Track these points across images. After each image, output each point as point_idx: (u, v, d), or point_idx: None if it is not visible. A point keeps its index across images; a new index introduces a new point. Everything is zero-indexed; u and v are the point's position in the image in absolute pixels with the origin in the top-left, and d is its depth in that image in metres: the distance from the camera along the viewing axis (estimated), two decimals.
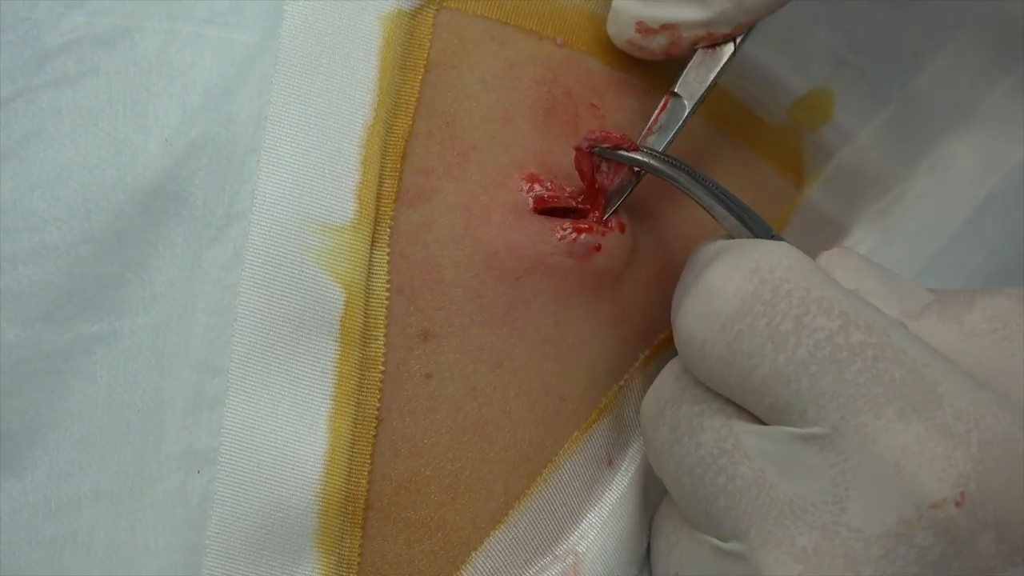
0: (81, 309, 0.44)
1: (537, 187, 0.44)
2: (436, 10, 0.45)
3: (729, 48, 0.46)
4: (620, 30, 0.47)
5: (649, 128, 0.46)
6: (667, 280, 0.48)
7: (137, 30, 0.44)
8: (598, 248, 0.44)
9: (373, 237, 0.42)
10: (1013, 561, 0.35)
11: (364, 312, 0.42)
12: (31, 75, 0.44)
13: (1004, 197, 0.57)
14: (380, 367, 0.42)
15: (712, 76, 0.46)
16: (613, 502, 0.45)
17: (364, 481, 0.41)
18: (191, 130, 0.43)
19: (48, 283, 0.43)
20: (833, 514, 0.36)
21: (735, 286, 0.39)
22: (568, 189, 0.45)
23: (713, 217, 0.43)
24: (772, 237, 0.43)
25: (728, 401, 0.40)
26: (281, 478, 0.40)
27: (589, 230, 0.44)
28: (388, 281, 0.42)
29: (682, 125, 0.46)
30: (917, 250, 0.56)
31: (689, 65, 0.46)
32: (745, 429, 0.39)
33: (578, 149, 0.44)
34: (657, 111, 0.46)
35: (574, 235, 0.44)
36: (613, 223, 0.45)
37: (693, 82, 0.46)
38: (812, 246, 0.43)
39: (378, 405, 0.42)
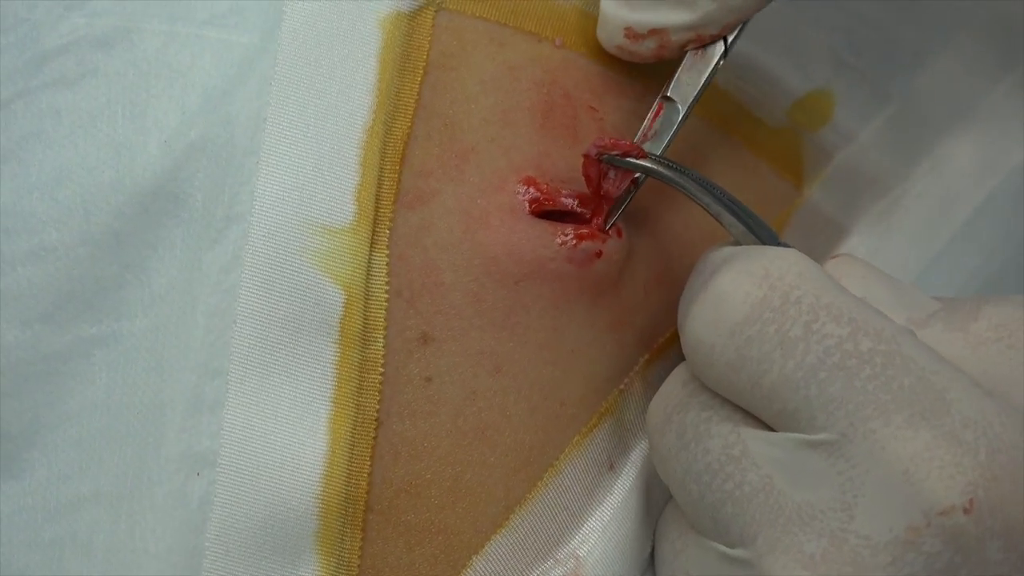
0: (80, 311, 0.44)
1: (533, 190, 0.44)
2: (435, 12, 0.45)
3: (719, 48, 0.46)
4: (609, 35, 0.47)
5: (644, 134, 0.46)
6: (666, 284, 0.48)
7: (136, 31, 0.44)
8: (599, 254, 0.44)
9: (372, 239, 0.42)
10: (1021, 569, 0.36)
11: (363, 314, 0.42)
12: (30, 76, 0.44)
13: (1004, 197, 0.57)
14: (380, 369, 0.42)
15: (703, 78, 0.46)
16: (615, 506, 0.45)
17: (364, 483, 0.41)
18: (190, 131, 0.43)
19: (47, 285, 0.43)
20: (841, 521, 0.36)
21: (745, 292, 0.39)
22: (564, 192, 0.45)
23: (721, 224, 0.43)
24: (778, 245, 0.42)
25: (736, 407, 0.40)
26: (281, 480, 0.40)
27: (591, 236, 0.44)
28: (387, 283, 0.42)
29: (677, 130, 0.46)
30: (917, 251, 0.56)
31: (680, 68, 0.46)
32: (753, 435, 0.39)
33: (586, 156, 0.44)
34: (651, 117, 0.46)
35: (575, 241, 0.44)
36: (611, 229, 0.45)
37: (685, 85, 0.46)
38: (812, 247, 0.43)
39: (378, 407, 0.42)
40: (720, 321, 0.39)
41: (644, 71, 0.48)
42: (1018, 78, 0.57)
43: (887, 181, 0.57)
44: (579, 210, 0.45)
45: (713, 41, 0.46)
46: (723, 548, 0.39)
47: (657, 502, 0.46)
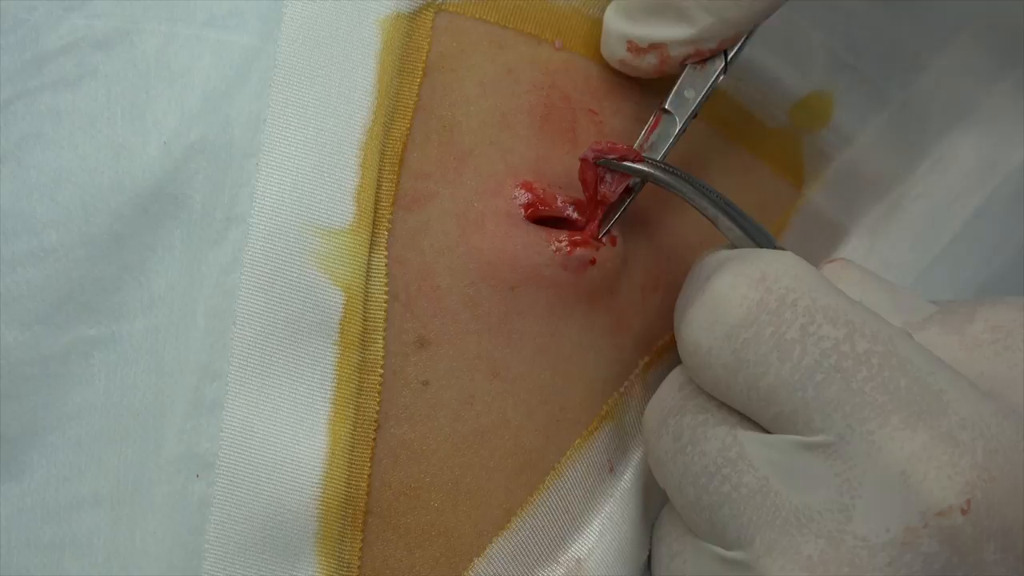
0: (79, 312, 0.44)
1: (530, 195, 0.44)
2: (434, 13, 0.45)
3: (719, 63, 0.46)
4: (612, 50, 0.47)
5: (640, 146, 0.46)
6: (663, 287, 0.48)
7: (136, 32, 0.44)
8: (592, 262, 0.44)
9: (371, 240, 0.42)
10: (1017, 570, 0.36)
11: (363, 315, 0.42)
12: (30, 77, 0.44)
13: (1004, 198, 0.57)
14: (379, 371, 0.42)
15: (702, 93, 0.46)
16: (615, 509, 0.45)
17: (364, 485, 0.41)
18: (190, 133, 0.43)
19: (46, 286, 0.43)
20: (839, 522, 0.36)
21: (741, 295, 0.39)
22: (561, 198, 0.45)
23: (717, 228, 0.43)
24: (775, 248, 0.42)
25: (732, 410, 0.40)
26: (281, 482, 0.40)
27: (584, 244, 0.44)
28: (386, 285, 0.42)
29: (673, 142, 0.46)
30: (917, 251, 0.56)
31: (679, 81, 0.46)
32: (749, 438, 0.39)
33: (583, 160, 0.44)
34: (648, 129, 0.46)
35: (569, 248, 0.44)
36: (605, 236, 0.45)
37: (683, 98, 0.46)
38: (812, 248, 0.43)
39: (377, 409, 0.42)
40: (716, 324, 0.39)
41: None
42: (1018, 79, 0.57)
43: (887, 182, 0.57)
44: (575, 216, 0.45)
45: (713, 55, 0.46)
46: (720, 550, 0.39)
47: (657, 505, 0.45)
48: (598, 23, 0.48)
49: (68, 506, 0.44)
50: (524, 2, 0.47)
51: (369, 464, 0.41)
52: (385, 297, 0.42)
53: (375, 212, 0.42)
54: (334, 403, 0.41)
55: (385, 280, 0.42)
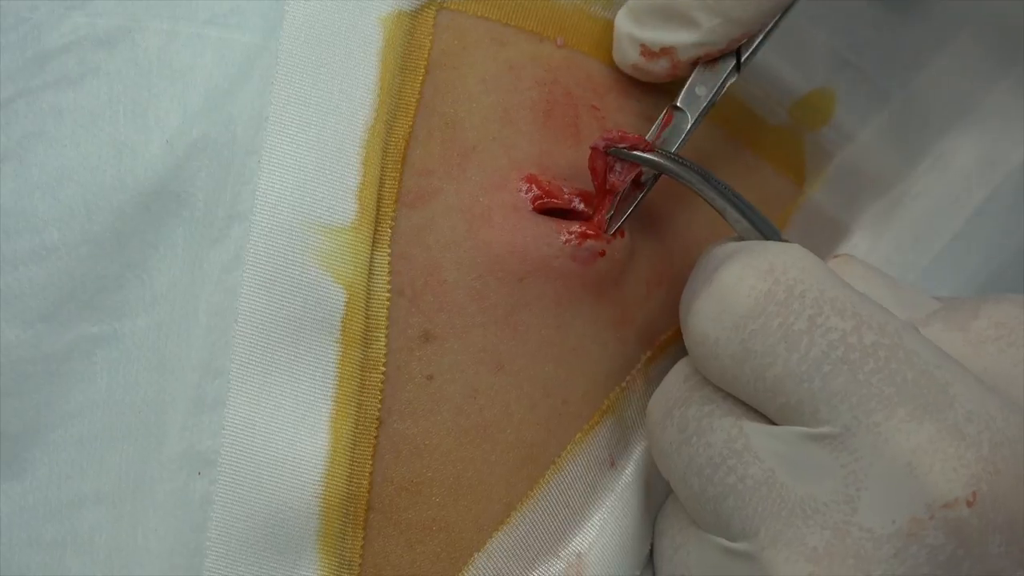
0: (81, 310, 0.44)
1: (536, 188, 0.44)
2: (436, 11, 0.45)
3: (731, 62, 0.46)
4: (625, 54, 0.47)
5: (652, 140, 0.46)
6: (668, 282, 0.48)
7: (138, 31, 0.44)
8: (602, 253, 0.44)
9: (374, 238, 0.42)
10: (1022, 563, 0.36)
11: (365, 313, 0.42)
12: (32, 76, 0.44)
13: (1005, 196, 0.57)
14: (381, 368, 0.42)
15: (713, 90, 0.46)
16: (616, 503, 0.45)
17: (365, 482, 0.41)
18: (192, 131, 0.43)
19: (48, 284, 0.43)
20: (844, 514, 0.36)
21: (749, 286, 0.39)
22: (566, 191, 0.45)
23: (725, 219, 0.43)
24: (782, 241, 0.43)
25: (738, 402, 0.40)
26: (282, 479, 0.40)
27: (595, 236, 0.44)
28: (389, 282, 0.42)
29: (685, 138, 0.46)
30: (918, 249, 0.57)
31: (691, 79, 0.47)
32: (755, 429, 0.39)
33: (594, 148, 0.44)
34: (659, 126, 0.47)
35: (579, 240, 0.44)
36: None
37: (695, 96, 0.46)
38: (814, 246, 0.43)
39: (379, 406, 0.42)
40: (724, 315, 0.39)
41: None
42: (1018, 78, 0.57)
43: (888, 180, 0.57)
44: (582, 208, 0.45)
45: (723, 55, 0.46)
46: (724, 542, 0.39)
47: (658, 499, 0.45)
48: (599, 21, 0.48)
49: (70, 504, 0.44)
50: (526, 0, 0.47)
51: (371, 461, 0.41)
52: (388, 295, 0.42)
53: (378, 210, 0.42)
54: (336, 401, 0.41)
55: (388, 277, 0.42)
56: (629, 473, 0.46)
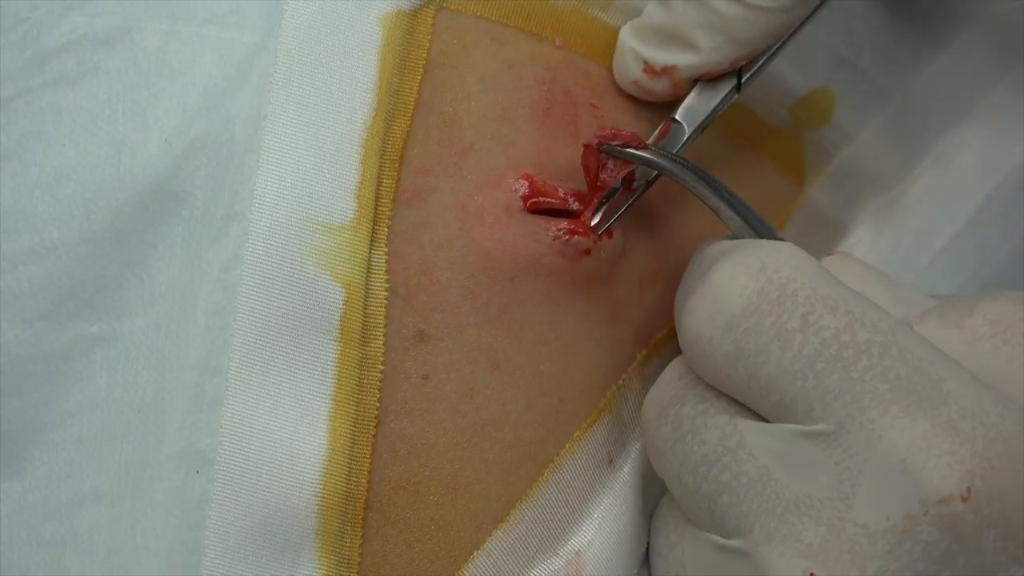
0: (80, 309, 0.44)
1: (528, 187, 0.44)
2: (435, 11, 0.45)
3: (731, 82, 0.46)
4: (627, 70, 0.47)
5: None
6: (662, 280, 0.48)
7: (137, 30, 0.45)
8: (588, 251, 0.44)
9: (372, 237, 0.42)
10: (1017, 558, 0.36)
11: (363, 312, 0.42)
12: (31, 75, 0.44)
13: (1005, 196, 0.57)
14: (379, 367, 0.42)
15: (711, 109, 0.47)
16: (615, 501, 0.45)
17: (364, 481, 0.41)
18: (191, 130, 0.43)
19: (47, 283, 0.44)
20: (839, 510, 0.36)
21: (741, 285, 0.39)
22: (562, 190, 0.45)
23: (719, 217, 0.44)
24: (776, 239, 0.43)
25: (732, 400, 0.40)
26: (281, 478, 0.40)
27: (582, 233, 0.44)
28: (386, 281, 0.42)
29: (680, 150, 0.46)
30: (918, 249, 0.57)
31: (690, 95, 0.47)
32: (749, 427, 0.39)
33: (587, 145, 0.44)
34: (656, 136, 0.47)
35: (568, 236, 0.44)
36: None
37: (693, 110, 0.47)
38: (813, 245, 0.43)
39: (377, 405, 0.42)
40: (717, 314, 0.39)
41: None
42: (1018, 78, 0.57)
43: (888, 179, 0.57)
44: (576, 207, 0.45)
45: (724, 74, 0.46)
46: (719, 539, 0.39)
47: (656, 497, 0.45)
48: (598, 23, 0.48)
49: (69, 503, 0.44)
50: (525, 1, 0.47)
51: (369, 460, 0.41)
52: (385, 293, 0.42)
53: (375, 208, 0.42)
54: (334, 399, 0.41)
55: (385, 276, 0.42)
56: (627, 471, 0.46)
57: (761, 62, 0.46)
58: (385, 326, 0.42)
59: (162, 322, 0.43)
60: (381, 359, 0.42)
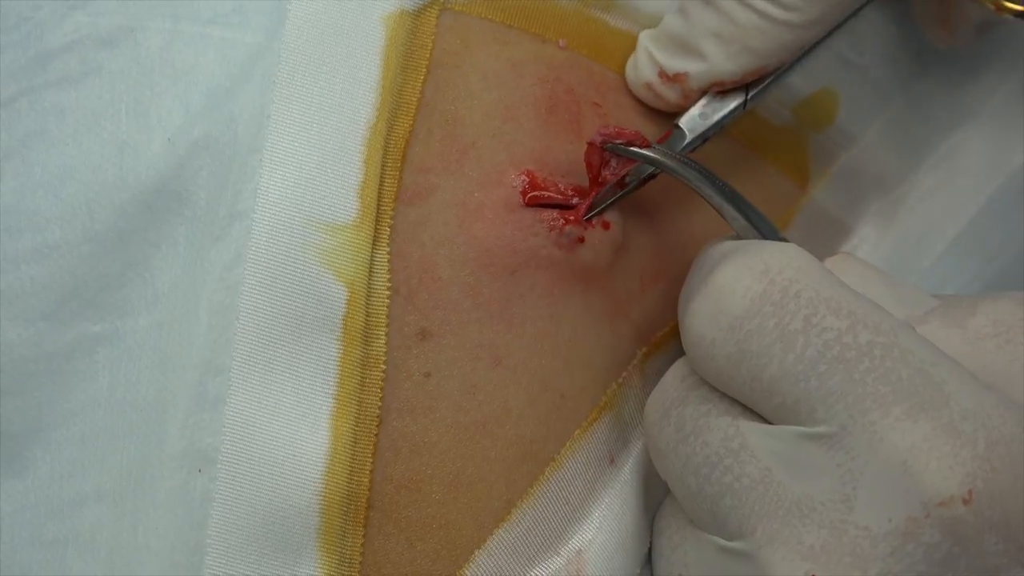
0: (83, 309, 0.44)
1: (528, 181, 0.44)
2: (439, 11, 0.46)
3: (738, 97, 0.47)
4: (641, 73, 0.48)
5: None
6: (663, 278, 0.48)
7: (140, 30, 0.45)
8: (581, 240, 0.44)
9: (374, 236, 0.42)
10: (1019, 560, 0.35)
11: (366, 311, 0.42)
12: (34, 75, 0.44)
13: (1008, 197, 0.57)
14: (381, 366, 0.42)
15: (715, 120, 0.47)
16: (616, 500, 0.45)
17: (366, 480, 0.41)
18: (194, 129, 0.43)
19: (50, 283, 0.44)
20: (841, 512, 0.36)
21: (744, 287, 0.39)
22: (563, 186, 0.45)
23: (723, 217, 0.43)
24: (779, 240, 0.43)
25: (734, 401, 0.40)
26: (283, 477, 0.40)
27: (574, 222, 0.44)
28: (388, 280, 0.42)
29: (681, 153, 0.46)
30: (921, 250, 0.57)
31: (697, 104, 0.47)
32: (752, 428, 0.39)
33: (590, 143, 0.44)
34: (656, 141, 0.47)
35: (562, 224, 0.44)
36: (596, 221, 0.45)
37: (696, 119, 0.47)
38: (816, 246, 0.43)
39: (379, 404, 0.42)
40: (720, 315, 0.39)
41: None
42: (1020, 79, 0.57)
43: (891, 180, 0.57)
44: (575, 203, 0.45)
45: (733, 88, 0.47)
46: (721, 541, 0.39)
47: (657, 497, 0.46)
48: (602, 24, 0.48)
49: (71, 502, 0.44)
50: (528, 2, 0.47)
51: (371, 459, 0.42)
52: (387, 292, 0.42)
53: (378, 208, 0.43)
54: (336, 399, 0.41)
55: (387, 275, 0.42)
56: (628, 470, 0.46)
57: (768, 81, 0.47)
58: (387, 325, 0.42)
59: (165, 321, 0.44)
60: (383, 358, 0.42)
